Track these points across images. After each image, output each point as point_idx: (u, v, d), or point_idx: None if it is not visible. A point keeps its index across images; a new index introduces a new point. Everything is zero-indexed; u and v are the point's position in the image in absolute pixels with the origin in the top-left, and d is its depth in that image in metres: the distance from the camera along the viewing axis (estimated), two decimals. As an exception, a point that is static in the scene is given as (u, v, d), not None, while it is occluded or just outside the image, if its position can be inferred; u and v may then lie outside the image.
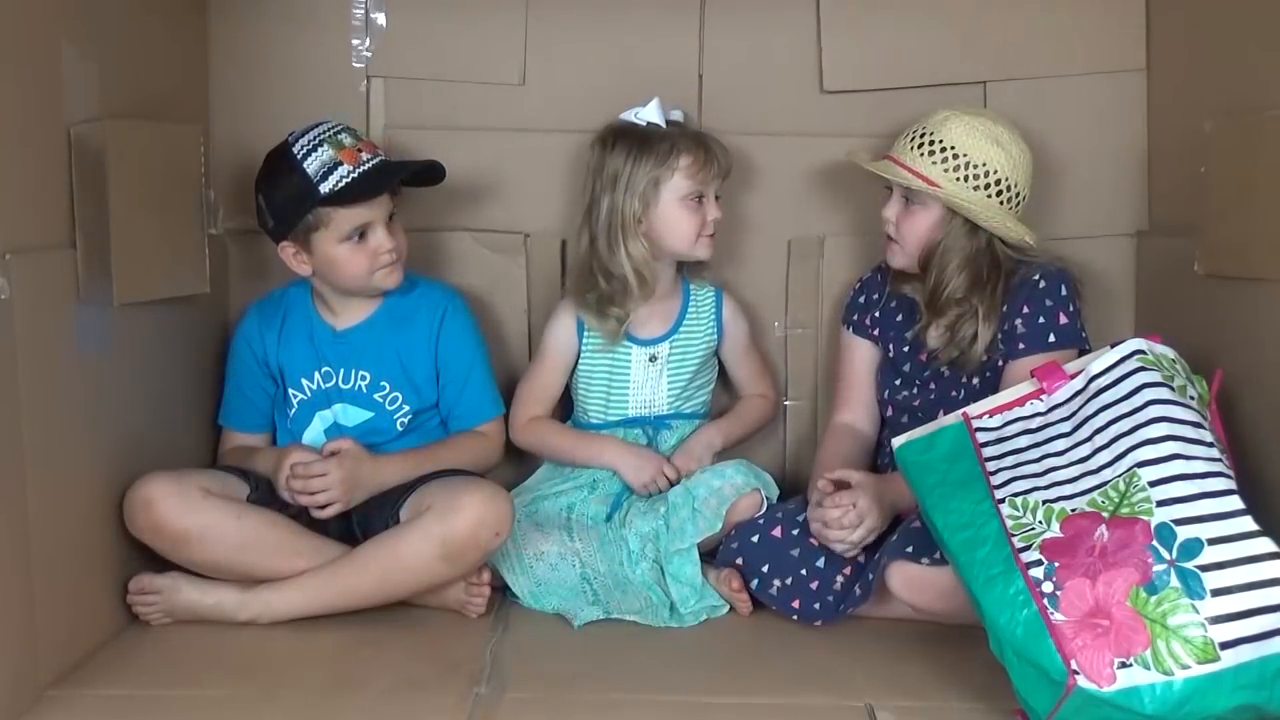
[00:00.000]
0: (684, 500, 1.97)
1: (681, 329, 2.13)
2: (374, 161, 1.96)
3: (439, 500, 1.84)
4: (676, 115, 2.09)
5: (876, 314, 2.09)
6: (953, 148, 1.92)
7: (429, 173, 2.03)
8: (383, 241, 1.96)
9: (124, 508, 1.81)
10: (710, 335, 2.15)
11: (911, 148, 1.94)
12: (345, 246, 1.96)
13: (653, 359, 2.12)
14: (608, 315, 2.07)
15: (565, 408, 2.19)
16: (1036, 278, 1.93)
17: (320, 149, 1.93)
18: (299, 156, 1.93)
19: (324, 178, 1.92)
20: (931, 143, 1.93)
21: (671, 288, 2.14)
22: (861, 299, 2.12)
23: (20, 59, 1.57)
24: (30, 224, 1.60)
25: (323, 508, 1.90)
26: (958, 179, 1.91)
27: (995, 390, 1.86)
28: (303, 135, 1.95)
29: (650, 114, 2.05)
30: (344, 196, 1.92)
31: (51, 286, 1.63)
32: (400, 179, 2.00)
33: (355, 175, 1.93)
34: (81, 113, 1.70)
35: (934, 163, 1.92)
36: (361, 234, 1.95)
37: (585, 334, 2.12)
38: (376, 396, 2.04)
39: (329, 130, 1.96)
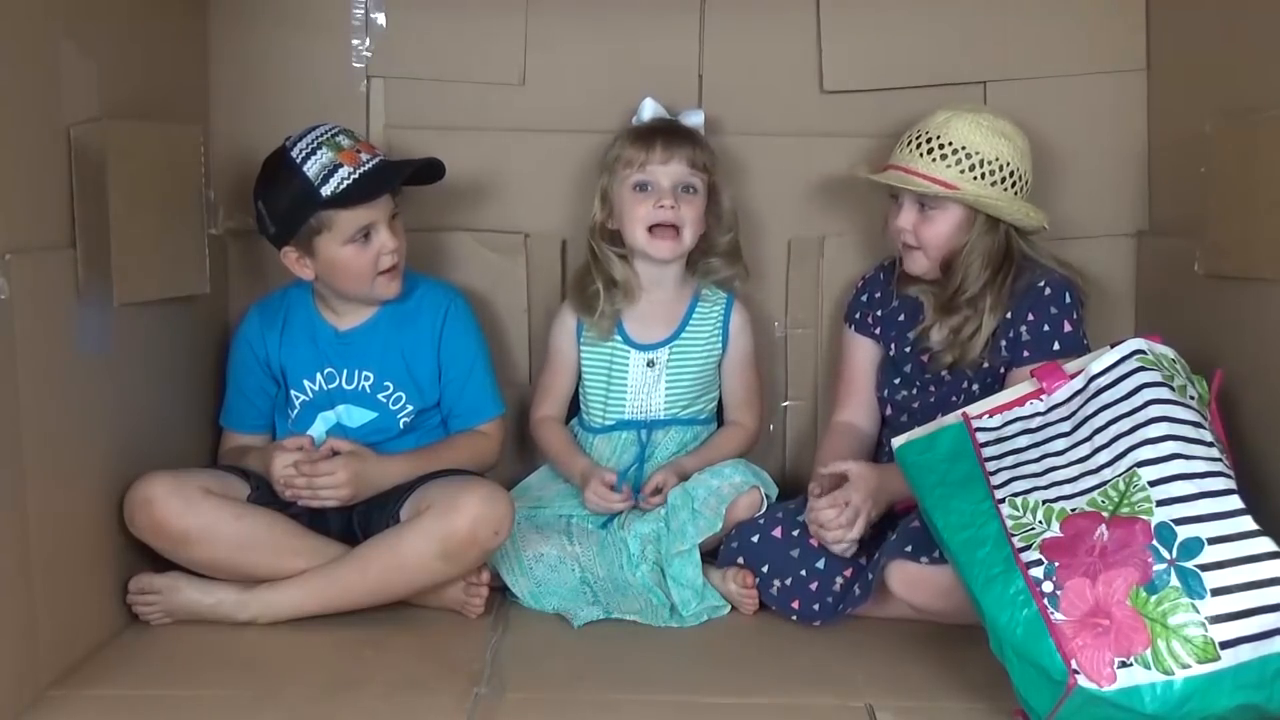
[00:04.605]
0: (683, 502, 1.96)
1: (683, 335, 2.11)
2: (374, 162, 1.95)
3: (438, 500, 1.84)
4: (694, 118, 2.10)
5: (879, 313, 2.08)
6: (963, 148, 1.92)
7: (429, 171, 2.03)
8: (386, 241, 1.96)
9: (124, 507, 1.81)
10: (714, 344, 2.12)
11: (921, 154, 1.93)
12: (350, 249, 1.95)
13: (650, 364, 2.10)
14: (596, 310, 2.08)
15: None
16: (1042, 284, 1.93)
17: (319, 152, 1.92)
18: (298, 160, 1.92)
19: (325, 180, 1.91)
20: (940, 145, 1.92)
21: (676, 291, 2.13)
22: (864, 297, 2.11)
23: (20, 59, 1.57)
24: (30, 224, 1.59)
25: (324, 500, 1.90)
26: (975, 178, 1.91)
27: (995, 396, 1.87)
28: (300, 139, 1.94)
29: (643, 114, 2.08)
30: (346, 198, 1.92)
31: (51, 287, 1.63)
32: (402, 178, 1.99)
33: (356, 176, 1.92)
34: (81, 113, 1.70)
35: (948, 165, 1.91)
36: (365, 235, 1.95)
37: (583, 335, 2.12)
38: (380, 397, 2.04)
39: (326, 133, 1.95)
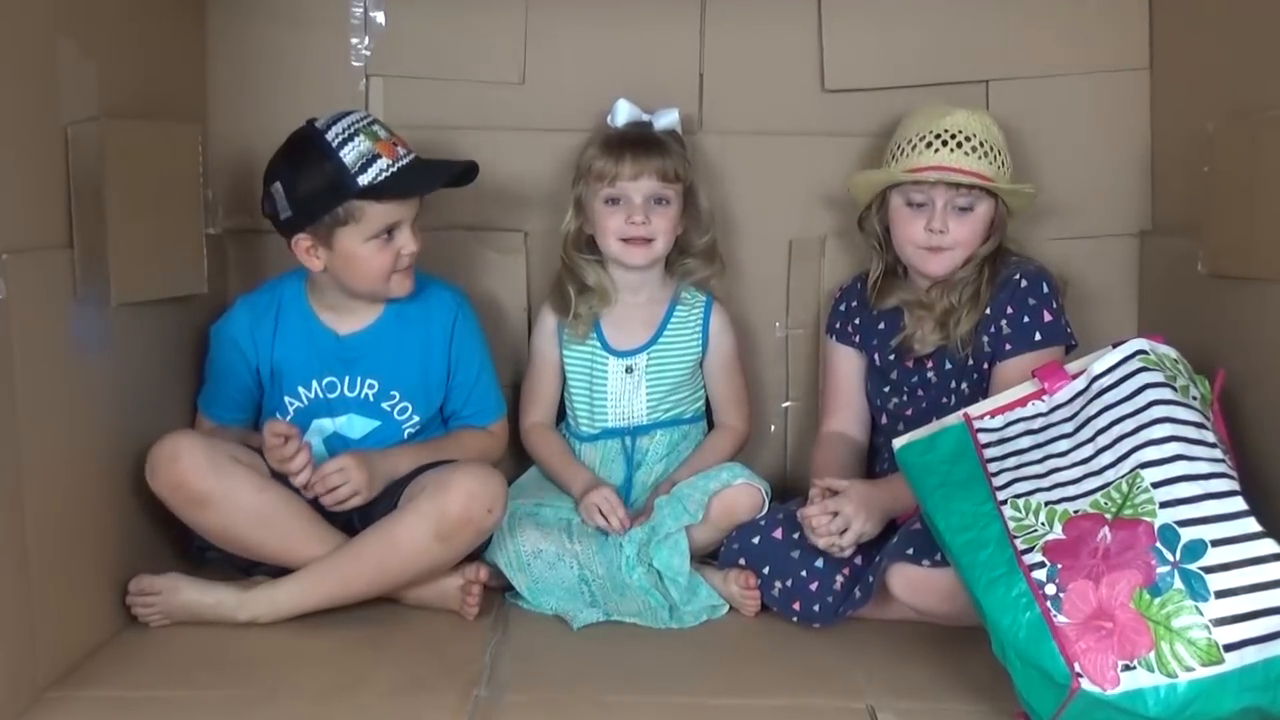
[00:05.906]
0: (669, 502, 1.96)
1: (661, 339, 2.10)
2: (409, 158, 1.90)
3: (431, 483, 1.83)
4: (668, 118, 2.08)
5: (858, 321, 2.08)
6: (985, 141, 1.93)
7: (463, 175, 1.98)
8: (407, 242, 1.91)
9: (148, 461, 1.79)
10: (694, 347, 2.11)
11: (964, 152, 1.91)
12: (370, 245, 1.89)
13: (629, 370, 2.09)
14: (571, 311, 2.08)
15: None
16: (1017, 277, 1.93)
17: (357, 139, 1.85)
18: (334, 145, 1.84)
19: (362, 169, 1.84)
20: (968, 139, 1.91)
21: (655, 294, 2.12)
22: (842, 307, 2.11)
23: (18, 58, 1.57)
24: (27, 224, 1.59)
25: (343, 501, 1.86)
26: (1007, 173, 1.95)
27: (985, 394, 1.86)
28: (335, 123, 1.87)
29: (617, 116, 2.07)
30: (384, 191, 1.85)
31: (48, 287, 1.63)
32: (444, 180, 1.94)
33: (395, 170, 1.86)
34: (79, 112, 1.69)
35: (983, 160, 1.92)
36: (389, 233, 1.89)
37: (563, 336, 2.12)
38: (384, 405, 2.00)
39: (361, 121, 1.89)
